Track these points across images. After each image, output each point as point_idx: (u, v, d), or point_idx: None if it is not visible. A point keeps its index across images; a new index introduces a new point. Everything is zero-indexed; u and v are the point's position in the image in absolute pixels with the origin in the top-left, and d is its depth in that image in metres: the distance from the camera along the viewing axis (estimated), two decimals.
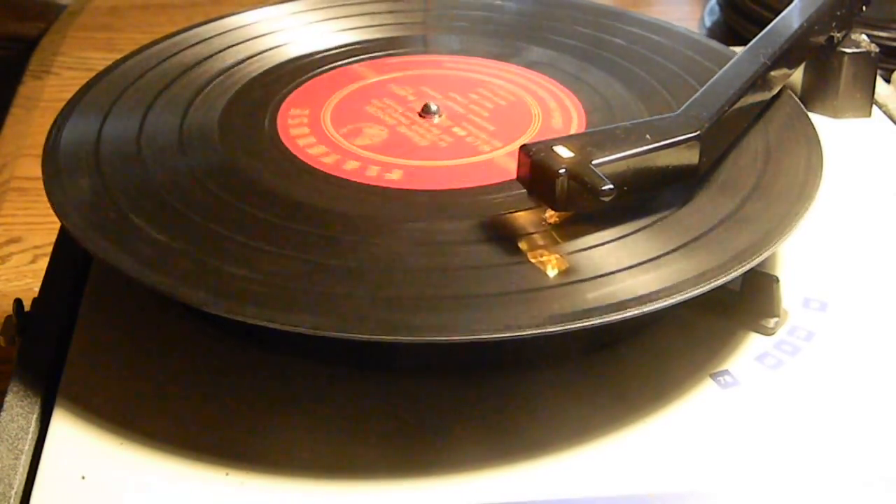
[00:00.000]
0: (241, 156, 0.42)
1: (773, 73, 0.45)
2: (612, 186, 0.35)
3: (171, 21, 0.91)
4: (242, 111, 0.45)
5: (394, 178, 0.41)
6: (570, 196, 0.36)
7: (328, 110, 0.46)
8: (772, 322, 0.40)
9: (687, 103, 0.41)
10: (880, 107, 0.54)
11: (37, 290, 0.43)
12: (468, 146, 0.43)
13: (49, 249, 0.45)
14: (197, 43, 0.50)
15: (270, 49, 0.50)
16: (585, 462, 0.35)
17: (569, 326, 0.33)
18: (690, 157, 0.39)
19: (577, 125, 0.45)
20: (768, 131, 0.44)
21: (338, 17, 0.53)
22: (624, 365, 0.38)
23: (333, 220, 0.38)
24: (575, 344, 0.38)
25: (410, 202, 0.40)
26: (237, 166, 0.42)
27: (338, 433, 0.36)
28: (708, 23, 0.90)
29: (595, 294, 0.35)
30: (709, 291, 0.35)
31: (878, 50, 0.52)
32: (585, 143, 0.38)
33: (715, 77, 0.44)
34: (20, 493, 0.34)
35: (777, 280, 0.40)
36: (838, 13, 0.51)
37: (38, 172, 0.41)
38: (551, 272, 0.36)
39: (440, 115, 0.45)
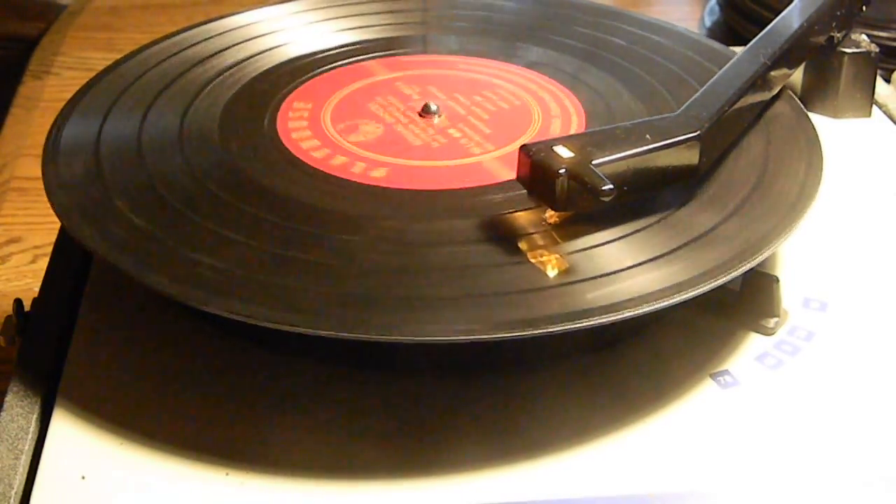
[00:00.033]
0: (240, 156, 0.42)
1: (773, 73, 0.45)
2: (612, 186, 0.35)
3: (171, 21, 0.91)
4: (242, 111, 0.45)
5: (377, 176, 0.41)
6: (570, 196, 0.36)
7: (331, 105, 0.46)
8: (772, 322, 0.40)
9: (687, 103, 0.41)
10: (880, 107, 0.54)
11: (37, 290, 0.43)
12: (460, 148, 0.43)
13: (49, 249, 0.45)
14: (197, 43, 0.50)
15: (270, 49, 0.50)
16: (585, 462, 0.35)
17: (568, 326, 0.33)
18: (690, 157, 0.39)
19: (576, 125, 0.45)
20: (768, 131, 0.44)
21: (338, 18, 0.53)
22: (624, 365, 0.38)
23: (315, 215, 0.39)
24: (575, 344, 0.38)
25: (387, 200, 0.40)
26: (237, 166, 0.42)
27: (338, 433, 0.36)
28: (708, 23, 0.90)
29: (595, 294, 0.35)
30: (709, 291, 0.35)
31: (878, 50, 0.52)
32: (585, 143, 0.38)
33: (715, 77, 0.44)
34: (20, 493, 0.34)
35: (777, 280, 0.40)
36: (838, 13, 0.51)
37: (38, 172, 0.41)
38: (551, 272, 0.36)
39: (440, 116, 0.45)
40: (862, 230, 0.45)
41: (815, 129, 0.44)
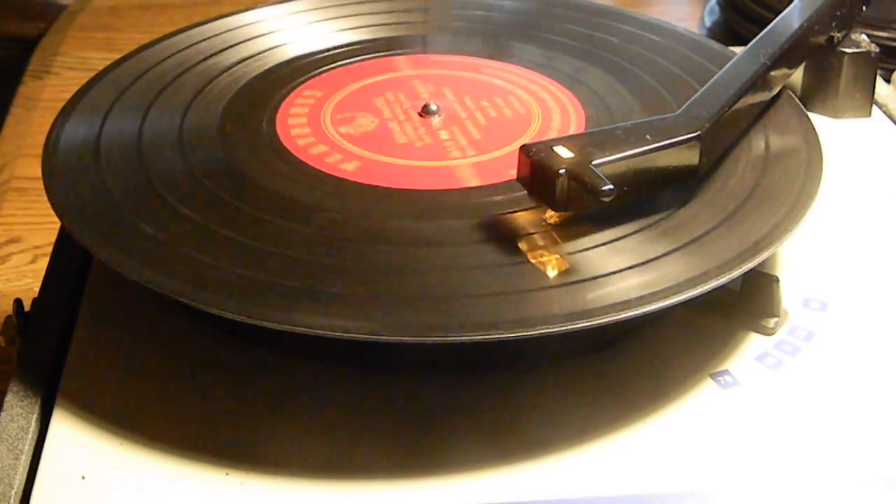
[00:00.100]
0: (240, 155, 0.42)
1: (773, 73, 0.45)
2: (612, 187, 0.35)
3: (171, 21, 0.91)
4: (242, 111, 0.45)
5: (347, 169, 0.41)
6: (571, 196, 0.36)
7: (340, 96, 0.46)
8: (772, 322, 0.40)
9: (687, 103, 0.41)
10: (880, 107, 0.54)
11: (37, 290, 0.43)
12: (441, 150, 0.43)
13: (49, 249, 0.45)
14: (197, 43, 0.50)
15: (270, 49, 0.50)
16: (585, 462, 0.35)
17: (569, 326, 0.33)
18: (691, 157, 0.39)
19: (576, 125, 0.45)
20: (768, 131, 0.44)
21: (337, 17, 0.53)
22: (624, 365, 0.38)
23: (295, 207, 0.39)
24: (575, 344, 0.38)
25: (348, 193, 0.40)
26: (237, 166, 0.42)
27: (338, 433, 0.36)
28: (708, 23, 0.90)
29: (595, 294, 0.35)
30: (709, 291, 0.35)
31: (878, 50, 0.52)
32: (585, 143, 0.38)
33: (715, 77, 0.44)
34: (20, 493, 0.34)
35: (777, 280, 0.40)
36: (838, 13, 0.51)
37: (38, 172, 0.41)
38: (551, 272, 0.36)
39: (439, 116, 0.45)
40: (862, 230, 0.45)
41: (815, 129, 0.44)
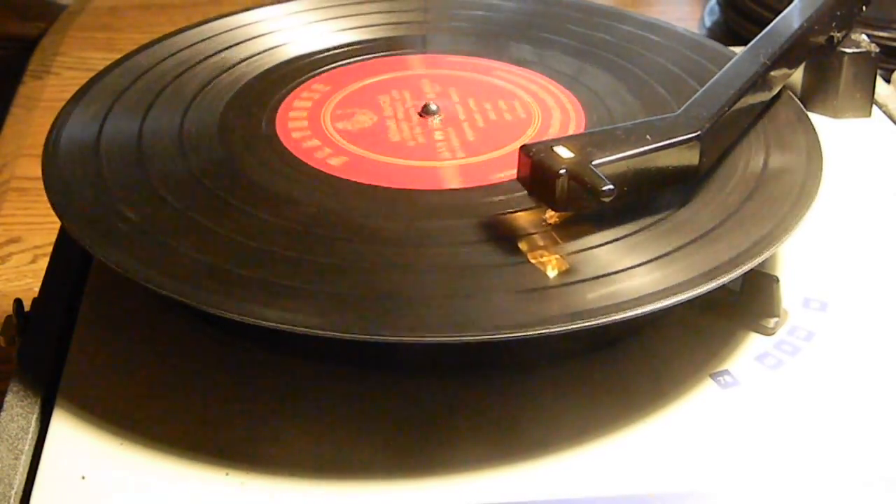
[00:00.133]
0: (240, 155, 0.42)
1: (773, 73, 0.45)
2: (612, 187, 0.35)
3: (171, 21, 0.91)
4: (242, 111, 0.45)
5: (333, 164, 0.42)
6: (571, 196, 0.36)
7: (345, 92, 0.46)
8: (772, 322, 0.40)
9: (687, 103, 0.41)
10: (880, 107, 0.54)
11: (37, 290, 0.43)
12: (431, 150, 0.43)
13: (49, 249, 0.45)
14: (196, 43, 0.50)
15: (270, 49, 0.50)
16: (585, 462, 0.35)
17: (569, 327, 0.33)
18: (691, 157, 0.39)
19: (575, 125, 0.45)
20: (768, 132, 0.44)
21: (337, 17, 0.53)
22: (624, 365, 0.38)
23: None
24: (575, 344, 0.38)
25: (327, 186, 0.41)
26: (237, 166, 0.42)
27: (338, 433, 0.36)
28: (708, 23, 0.90)
29: (595, 294, 0.35)
30: (709, 291, 0.35)
31: (878, 50, 0.52)
32: (585, 143, 0.38)
33: (715, 77, 0.44)
34: (20, 493, 0.34)
35: (777, 280, 0.40)
36: (838, 13, 0.51)
37: (38, 172, 0.41)
38: (551, 273, 0.36)
39: (438, 116, 0.45)
40: (862, 230, 0.45)
41: (815, 129, 0.44)
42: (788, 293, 0.41)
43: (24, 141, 0.76)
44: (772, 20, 0.48)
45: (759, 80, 0.44)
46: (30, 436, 0.36)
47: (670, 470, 0.34)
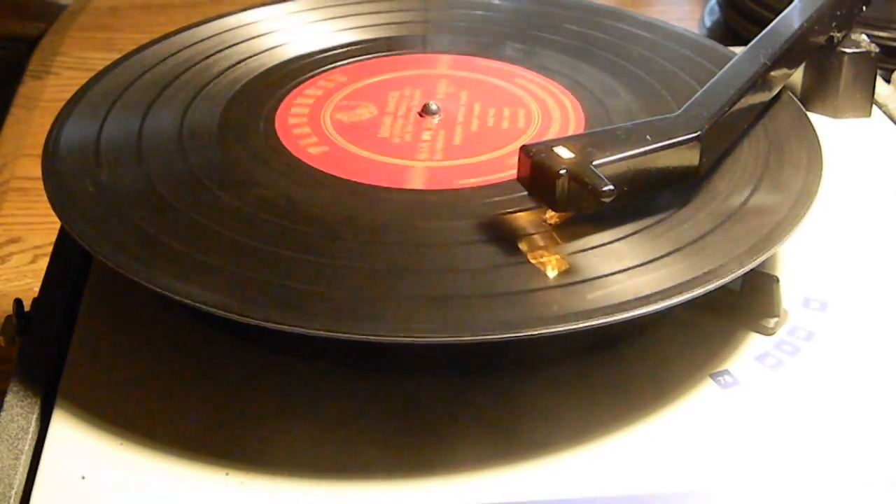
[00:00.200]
0: (240, 155, 0.42)
1: (773, 74, 0.45)
2: (612, 187, 0.35)
3: (171, 21, 0.91)
4: (242, 111, 0.45)
5: (312, 152, 0.42)
6: (571, 197, 0.36)
7: (361, 84, 0.47)
8: (772, 322, 0.40)
9: (687, 104, 0.41)
10: (880, 107, 0.54)
11: (37, 290, 0.43)
12: (411, 150, 0.43)
13: (49, 249, 0.45)
14: (196, 43, 0.50)
15: (270, 49, 0.50)
16: (585, 462, 0.35)
17: (569, 327, 0.33)
18: (691, 157, 0.39)
19: (575, 126, 0.45)
20: (768, 132, 0.44)
21: (337, 17, 0.53)
22: (624, 365, 0.38)
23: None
24: (575, 344, 0.38)
25: (296, 171, 0.41)
26: (237, 166, 0.42)
27: (338, 433, 0.36)
28: (708, 23, 0.90)
29: (595, 295, 0.35)
30: (709, 292, 0.35)
31: (878, 50, 0.52)
32: (586, 143, 0.38)
33: (715, 77, 0.44)
34: (20, 493, 0.34)
35: (777, 280, 0.40)
36: (838, 13, 0.51)
37: (38, 172, 0.41)
38: (551, 273, 0.36)
39: (438, 117, 0.45)
40: (862, 230, 0.45)
41: (814, 129, 0.44)
42: (788, 293, 0.41)
43: (24, 141, 0.76)
44: (772, 20, 0.48)
45: (759, 80, 0.44)
46: (30, 436, 0.36)
47: (670, 470, 0.34)
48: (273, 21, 0.52)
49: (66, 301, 0.42)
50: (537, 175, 0.37)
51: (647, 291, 0.34)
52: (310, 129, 0.44)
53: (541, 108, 0.46)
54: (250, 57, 0.50)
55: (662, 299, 0.34)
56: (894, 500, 0.34)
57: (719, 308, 0.40)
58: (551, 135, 0.44)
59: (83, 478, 0.34)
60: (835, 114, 0.53)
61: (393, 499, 0.34)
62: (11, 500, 0.34)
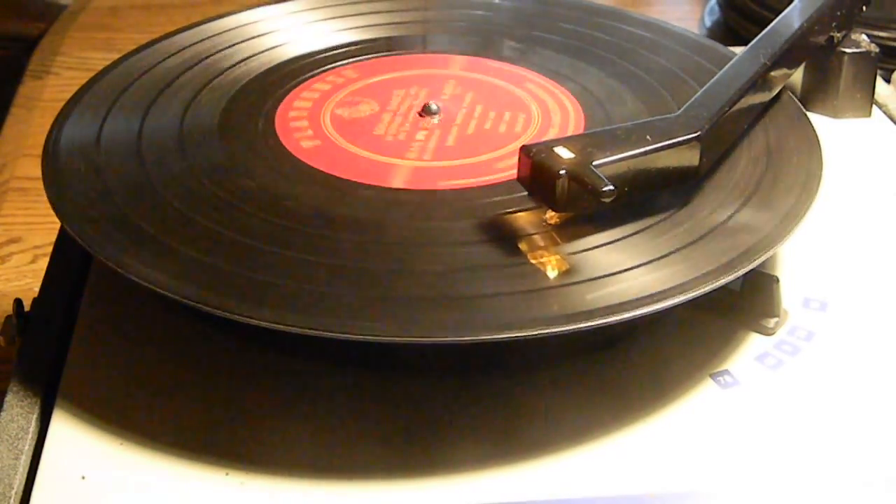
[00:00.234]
0: (240, 155, 0.42)
1: (773, 74, 0.45)
2: (612, 187, 0.35)
3: (171, 21, 0.91)
4: (242, 111, 0.45)
5: (304, 146, 0.42)
6: (571, 197, 0.36)
7: (369, 81, 0.47)
8: (772, 322, 0.40)
9: (687, 104, 0.41)
10: (880, 107, 0.54)
11: (37, 290, 0.43)
12: (402, 148, 0.43)
13: (49, 249, 0.45)
14: (196, 43, 0.50)
15: (270, 48, 0.50)
16: (585, 462, 0.35)
17: (569, 327, 0.33)
18: (691, 157, 0.39)
19: (575, 126, 0.45)
20: (768, 132, 0.44)
21: (337, 17, 0.53)
22: (624, 365, 0.38)
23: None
24: (575, 344, 0.38)
25: (283, 163, 0.42)
26: (237, 166, 0.42)
27: (338, 433, 0.36)
28: (708, 23, 0.90)
29: (595, 295, 0.35)
30: (709, 292, 0.35)
31: (878, 50, 0.52)
32: (586, 143, 0.38)
33: (715, 77, 0.44)
34: (20, 493, 0.34)
35: (777, 280, 0.40)
36: (838, 13, 0.51)
37: (38, 172, 0.41)
38: (552, 273, 0.36)
39: (437, 117, 0.45)
40: (862, 230, 0.45)
41: (814, 129, 0.44)
42: (788, 293, 0.41)
43: (24, 141, 0.76)
44: (772, 20, 0.48)
45: (759, 80, 0.44)
46: (30, 436, 0.36)
47: (670, 470, 0.34)
48: (273, 21, 0.52)
49: (66, 301, 0.42)
50: (537, 175, 0.37)
51: (648, 291, 0.34)
52: (308, 123, 0.44)
53: (541, 112, 0.46)
54: (250, 57, 0.50)
55: (662, 299, 0.34)
56: (894, 500, 0.34)
57: (719, 308, 0.40)
58: (550, 137, 0.44)
59: (83, 478, 0.34)
60: (835, 114, 0.53)
61: (393, 499, 0.34)
62: (11, 500, 0.34)
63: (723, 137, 0.42)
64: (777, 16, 0.49)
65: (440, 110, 0.45)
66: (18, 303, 0.43)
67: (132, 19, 0.94)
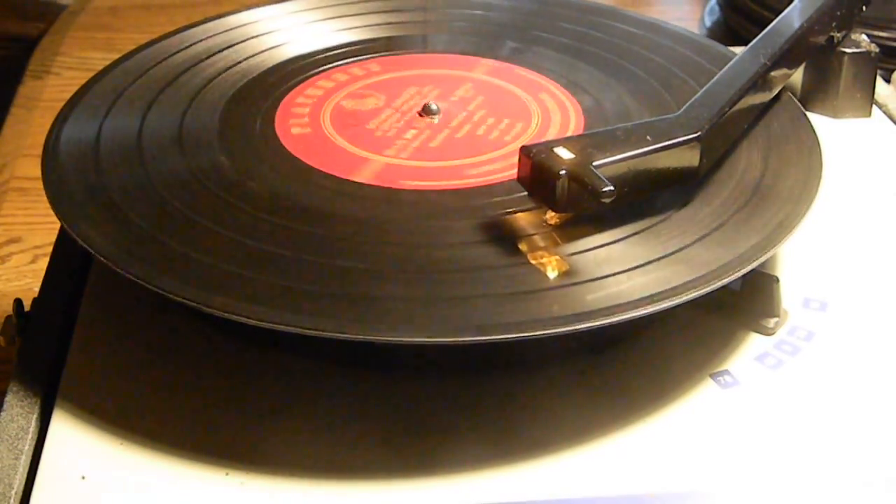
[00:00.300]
0: (240, 155, 0.42)
1: (773, 74, 0.45)
2: (612, 188, 0.35)
3: (171, 21, 0.91)
4: (242, 111, 0.45)
5: (294, 133, 0.43)
6: (571, 197, 0.36)
7: (387, 76, 0.48)
8: (772, 322, 0.40)
9: (687, 104, 0.41)
10: (880, 107, 0.54)
11: (37, 290, 0.43)
12: (384, 144, 0.43)
13: (49, 249, 0.45)
14: (196, 43, 0.50)
15: (270, 48, 0.50)
16: (585, 462, 0.35)
17: (569, 328, 0.33)
18: (691, 158, 0.39)
19: (575, 126, 0.45)
20: (768, 132, 0.44)
21: (337, 17, 0.53)
22: (624, 365, 0.38)
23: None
24: (575, 344, 0.38)
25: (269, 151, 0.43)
26: (237, 166, 0.42)
27: (338, 433, 0.36)
28: (708, 23, 0.90)
29: (595, 296, 0.35)
30: (709, 292, 0.35)
31: (878, 50, 0.52)
32: (586, 144, 0.38)
33: (715, 77, 0.44)
34: (20, 493, 0.34)
35: (777, 280, 0.40)
36: (838, 13, 0.51)
37: (38, 172, 0.41)
38: (551, 273, 0.36)
39: (437, 117, 0.45)
40: (862, 230, 0.45)
41: (814, 130, 0.44)
42: (788, 293, 0.41)
43: (24, 141, 0.76)
44: (772, 20, 0.48)
45: (759, 81, 0.44)
46: (30, 436, 0.36)
47: (670, 470, 0.34)
48: (273, 21, 0.52)
49: (66, 301, 0.42)
50: (537, 176, 0.37)
51: (648, 292, 0.34)
52: (308, 109, 0.44)
53: (541, 120, 0.45)
54: (250, 57, 0.50)
55: (662, 300, 0.34)
56: (894, 500, 0.34)
57: (719, 308, 0.40)
58: (550, 135, 0.44)
59: (83, 478, 0.34)
60: (835, 114, 0.53)
61: (393, 499, 0.34)
62: (11, 500, 0.34)
63: (723, 138, 0.42)
64: (777, 16, 0.49)
65: (440, 111, 0.45)
66: (18, 303, 0.43)
67: (132, 19, 0.94)
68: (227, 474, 0.34)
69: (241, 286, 0.35)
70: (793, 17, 0.48)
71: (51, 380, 0.38)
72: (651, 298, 0.34)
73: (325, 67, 0.49)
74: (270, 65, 0.49)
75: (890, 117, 0.53)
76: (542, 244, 0.37)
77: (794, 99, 0.47)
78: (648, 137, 0.39)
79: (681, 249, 0.37)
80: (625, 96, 0.47)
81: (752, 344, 0.39)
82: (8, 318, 0.42)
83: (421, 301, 0.35)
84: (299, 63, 0.49)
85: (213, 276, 0.35)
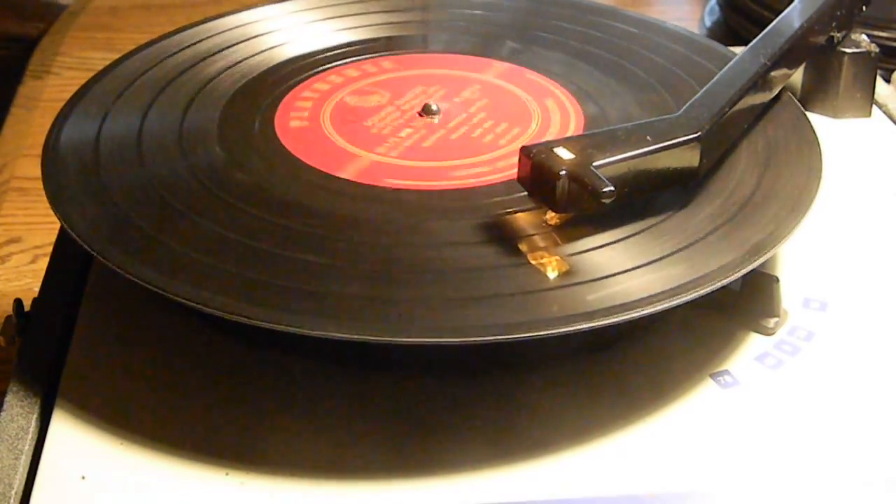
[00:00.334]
0: (240, 155, 0.42)
1: (773, 74, 0.45)
2: (612, 188, 0.35)
3: (171, 21, 0.91)
4: (242, 111, 0.45)
5: (292, 126, 0.44)
6: (571, 198, 0.36)
7: (402, 74, 0.48)
8: (772, 322, 0.40)
9: (687, 104, 0.41)
10: (880, 107, 0.54)
11: (37, 290, 0.43)
12: (377, 141, 0.43)
13: (49, 249, 0.45)
14: (196, 42, 0.50)
15: (270, 48, 0.50)
16: (585, 462, 0.35)
17: (569, 328, 0.33)
18: (691, 158, 0.39)
19: (575, 126, 0.45)
20: (768, 132, 0.44)
21: (337, 17, 0.53)
22: (624, 365, 0.38)
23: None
24: (575, 344, 0.38)
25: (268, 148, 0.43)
26: (237, 166, 0.42)
27: (338, 433, 0.36)
28: (708, 23, 0.90)
29: (595, 296, 0.35)
30: (709, 292, 0.35)
31: (878, 50, 0.52)
32: (586, 144, 0.38)
33: (715, 78, 0.44)
34: (20, 493, 0.34)
35: (777, 280, 0.40)
36: (838, 13, 0.51)
37: (38, 172, 0.41)
38: (551, 274, 0.36)
39: (437, 117, 0.45)
40: (862, 230, 0.45)
41: (814, 130, 0.44)
42: (788, 293, 0.41)
43: (24, 141, 0.76)
44: (772, 20, 0.48)
45: (759, 81, 0.44)
46: (30, 436, 0.36)
47: (670, 470, 0.34)
48: (273, 21, 0.52)
49: (66, 301, 0.42)
50: (537, 176, 0.37)
51: (648, 292, 0.34)
52: (311, 104, 0.45)
53: (541, 123, 0.45)
54: (250, 57, 0.50)
55: (663, 300, 0.34)
56: (894, 500, 0.34)
57: (719, 308, 0.40)
58: (550, 135, 0.44)
59: (83, 478, 0.34)
60: (835, 114, 0.53)
61: (393, 499, 0.34)
62: (11, 500, 0.34)
63: (723, 138, 0.42)
64: (777, 16, 0.49)
65: (440, 111, 0.45)
66: (18, 303, 0.43)
67: (132, 19, 0.94)
68: (227, 474, 0.34)
69: (241, 286, 0.35)
70: (793, 17, 0.48)
71: (51, 380, 0.38)
72: (651, 298, 0.34)
73: (324, 67, 0.49)
74: (270, 65, 0.49)
75: (890, 117, 0.53)
76: (542, 244, 0.37)
77: (794, 99, 0.47)
78: (648, 138, 0.39)
79: (681, 249, 0.37)
80: (625, 96, 0.47)
81: (752, 344, 0.39)
82: (8, 318, 0.42)
83: (421, 301, 0.34)
84: (299, 63, 0.49)
85: (214, 276, 0.35)
